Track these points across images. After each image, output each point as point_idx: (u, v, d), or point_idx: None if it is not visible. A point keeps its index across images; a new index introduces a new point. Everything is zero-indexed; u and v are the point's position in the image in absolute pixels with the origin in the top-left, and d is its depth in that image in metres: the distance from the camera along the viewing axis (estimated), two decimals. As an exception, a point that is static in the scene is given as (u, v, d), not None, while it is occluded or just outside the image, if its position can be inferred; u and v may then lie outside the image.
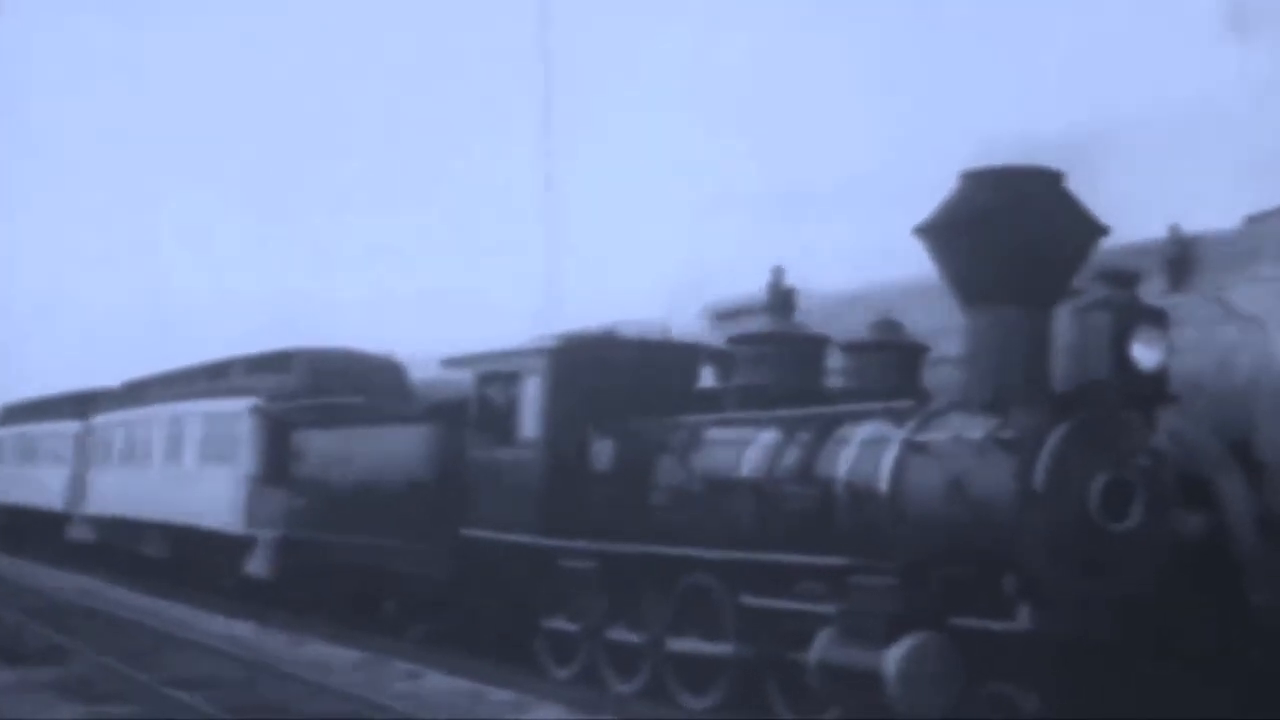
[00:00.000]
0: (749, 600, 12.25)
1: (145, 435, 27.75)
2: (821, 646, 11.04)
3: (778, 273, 14.03)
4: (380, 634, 17.82)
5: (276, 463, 21.18)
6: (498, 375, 15.88)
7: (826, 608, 11.21)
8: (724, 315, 16.93)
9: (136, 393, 29.87)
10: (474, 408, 16.19)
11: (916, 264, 11.72)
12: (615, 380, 14.84)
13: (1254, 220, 12.30)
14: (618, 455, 14.33)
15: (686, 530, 13.27)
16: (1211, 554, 10.82)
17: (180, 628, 19.20)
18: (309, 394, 21.94)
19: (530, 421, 15.22)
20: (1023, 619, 10.06)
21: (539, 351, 15.44)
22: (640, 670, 13.68)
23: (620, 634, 13.94)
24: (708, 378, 15.05)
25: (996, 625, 10.15)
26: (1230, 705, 10.28)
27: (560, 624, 14.75)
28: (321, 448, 20.05)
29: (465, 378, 16.61)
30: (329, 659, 16.43)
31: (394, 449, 17.84)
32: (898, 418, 11.70)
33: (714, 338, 15.80)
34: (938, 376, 12.60)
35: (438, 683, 14.59)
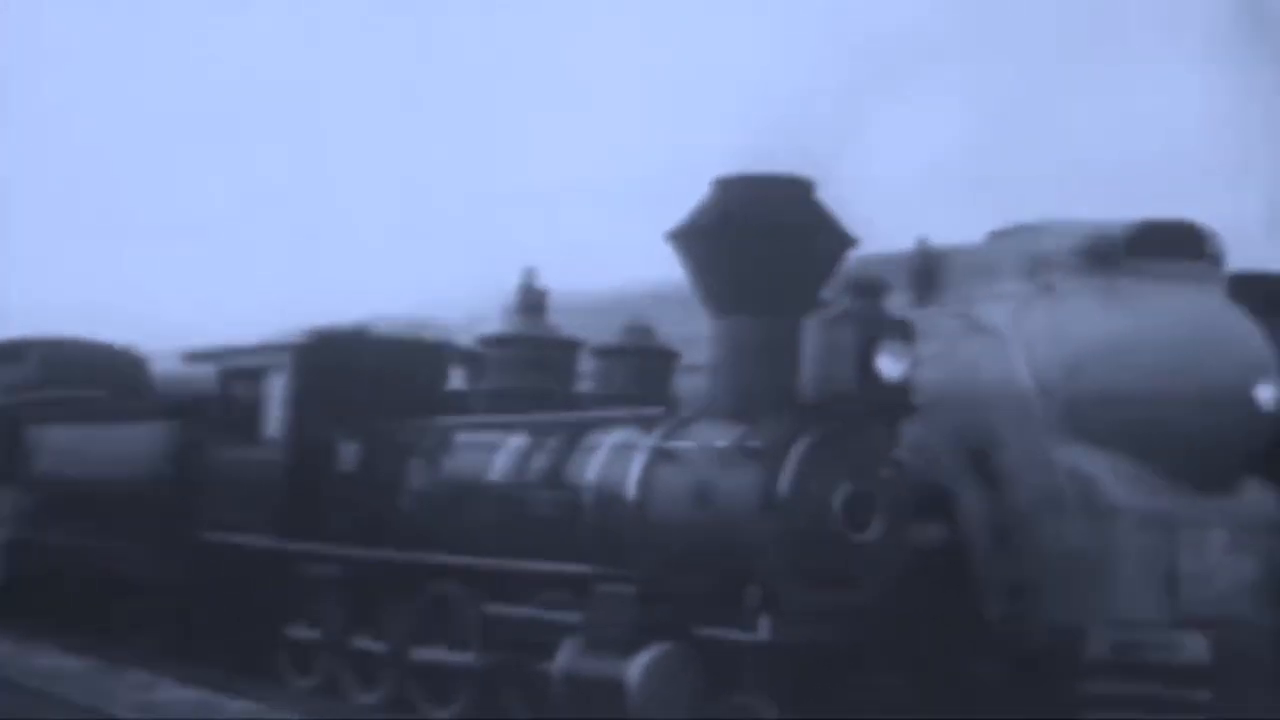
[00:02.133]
0: (493, 609, 12.07)
1: None
2: (565, 656, 10.93)
3: (529, 274, 13.87)
4: (114, 642, 17.19)
5: (6, 460, 20.31)
6: (242, 371, 15.42)
7: (571, 616, 11.10)
8: None
9: None
10: (217, 405, 15.69)
11: (671, 268, 11.68)
12: (363, 379, 14.49)
13: (997, 236, 12.54)
14: (364, 457, 14.01)
15: (434, 535, 12.98)
16: (949, 564, 10.99)
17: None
18: (44, 387, 21.08)
19: (274, 420, 14.79)
20: (763, 629, 10.05)
21: (284, 347, 15.02)
22: (383, 680, 13.40)
23: (364, 643, 13.62)
24: (459, 379, 14.87)
25: (737, 635, 10.13)
26: (963, 715, 10.43)
27: (302, 632, 14.36)
28: (55, 444, 19.26)
29: (210, 373, 16.12)
30: (59, 668, 15.75)
31: (131, 446, 17.18)
32: (647, 425, 11.62)
33: None
34: (690, 384, 12.57)
35: (171, 693, 14.06)
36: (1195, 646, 10.55)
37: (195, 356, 16.92)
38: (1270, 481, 11.51)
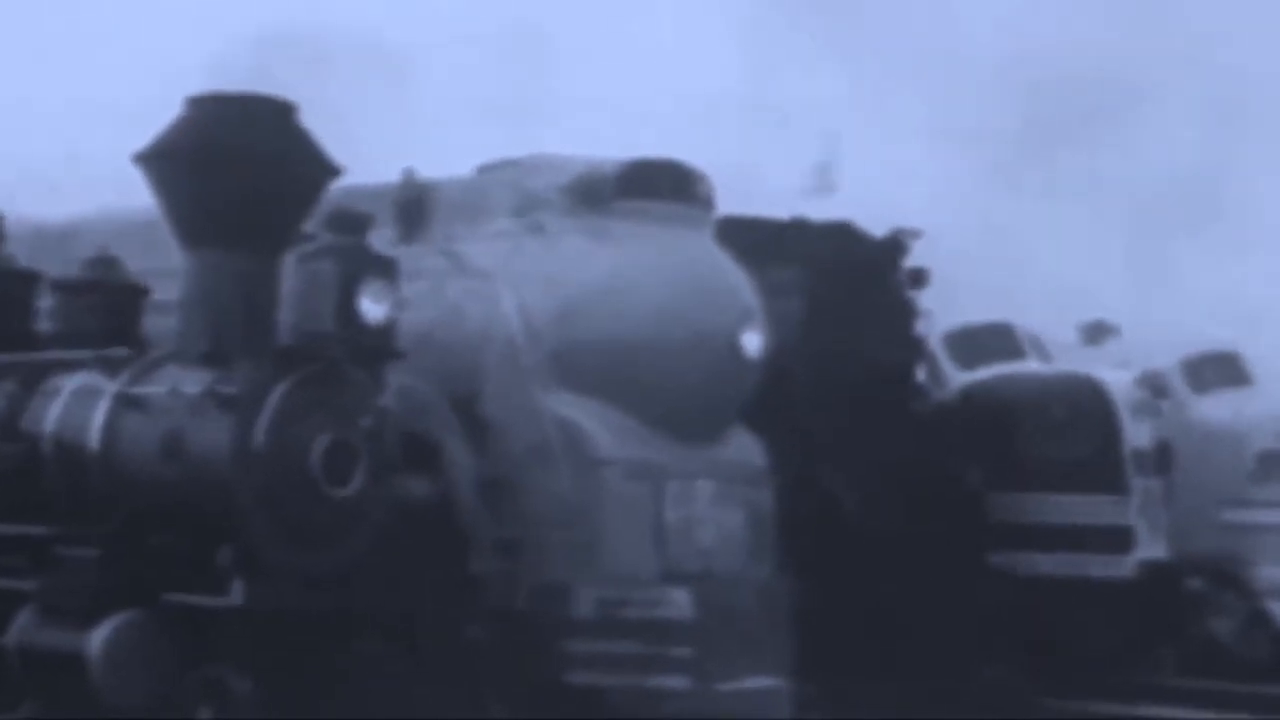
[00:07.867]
0: (-63, 576, 11.04)
1: None
2: (20, 628, 10.07)
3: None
4: None
5: None
6: None
7: (29, 583, 10.22)
8: None
9: None
10: None
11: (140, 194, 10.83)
12: None
13: (485, 170, 12.25)
14: None
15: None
16: (435, 519, 10.66)
17: None
18: None
19: None
20: (236, 593, 9.47)
21: None
22: None
23: None
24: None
25: (208, 600, 9.52)
26: (450, 676, 10.17)
27: None
28: None
29: None
30: None
31: None
32: (111, 368, 10.74)
33: None
34: (160, 323, 11.82)
35: None
36: (679, 602, 10.60)
37: None
38: (754, 430, 11.67)
